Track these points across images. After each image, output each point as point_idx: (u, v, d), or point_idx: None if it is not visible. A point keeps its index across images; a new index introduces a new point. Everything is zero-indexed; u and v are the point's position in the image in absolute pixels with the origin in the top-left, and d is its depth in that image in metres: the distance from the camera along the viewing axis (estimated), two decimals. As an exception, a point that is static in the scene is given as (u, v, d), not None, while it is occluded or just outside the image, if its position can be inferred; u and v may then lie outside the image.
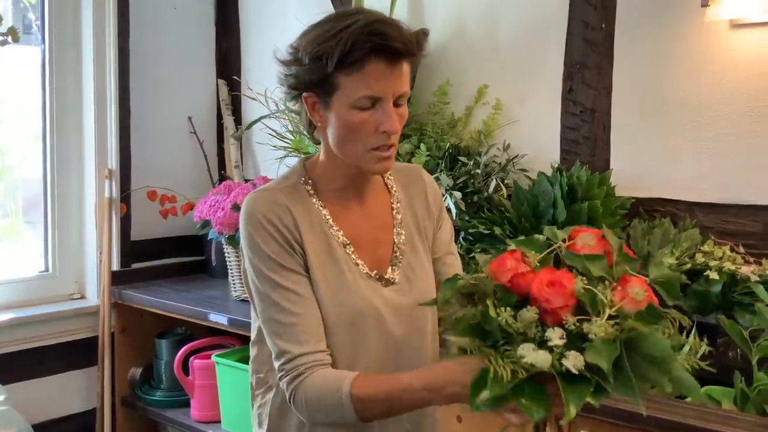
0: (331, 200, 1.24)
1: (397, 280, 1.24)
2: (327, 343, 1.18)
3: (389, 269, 1.24)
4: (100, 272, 2.67)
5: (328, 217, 1.22)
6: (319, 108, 1.16)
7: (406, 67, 1.15)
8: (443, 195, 1.39)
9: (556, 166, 2.09)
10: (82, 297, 2.74)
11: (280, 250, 1.16)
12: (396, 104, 1.15)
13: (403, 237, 1.27)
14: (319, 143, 1.26)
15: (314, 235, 1.20)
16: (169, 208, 2.78)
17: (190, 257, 2.91)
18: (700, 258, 1.82)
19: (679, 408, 1.46)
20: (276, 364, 1.17)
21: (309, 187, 1.23)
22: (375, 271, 1.23)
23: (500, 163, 2.22)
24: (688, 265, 1.82)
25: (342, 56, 1.08)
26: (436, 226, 1.34)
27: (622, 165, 2.08)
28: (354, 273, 1.21)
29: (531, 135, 2.25)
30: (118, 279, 2.69)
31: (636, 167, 2.06)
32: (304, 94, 1.16)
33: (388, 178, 1.32)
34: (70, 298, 2.72)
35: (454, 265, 1.34)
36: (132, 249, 2.78)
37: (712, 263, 1.79)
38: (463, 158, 2.20)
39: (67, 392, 2.64)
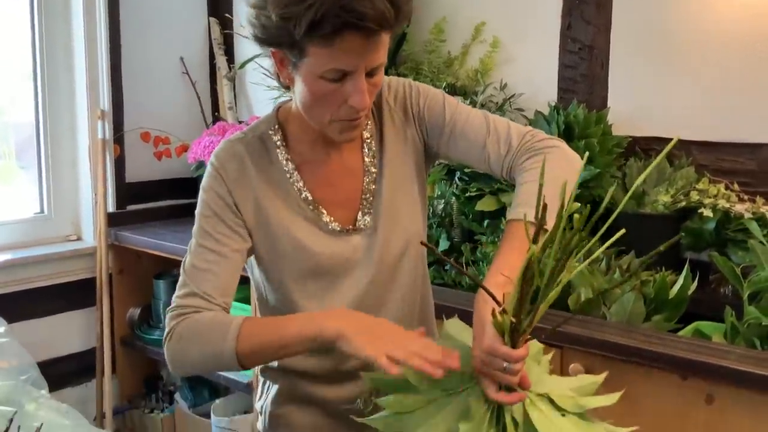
0: (301, 151, 1.19)
1: (367, 225, 1.19)
2: (296, 294, 1.18)
3: (359, 215, 1.19)
4: (95, 214, 2.66)
5: (293, 171, 1.17)
6: (288, 65, 1.08)
7: (384, 37, 1.03)
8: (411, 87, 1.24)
9: (553, 104, 2.08)
10: (79, 239, 2.75)
11: (218, 201, 1.14)
12: (370, 74, 1.06)
13: (373, 177, 1.20)
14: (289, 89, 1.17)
15: (275, 190, 1.16)
16: (163, 150, 2.76)
17: (186, 199, 2.90)
18: (694, 196, 1.83)
19: (669, 341, 1.49)
20: (172, 300, 1.13)
21: (278, 138, 1.18)
22: (342, 225, 1.18)
23: (497, 103, 2.20)
24: (683, 203, 1.83)
25: (311, 26, 0.96)
26: (422, 118, 1.22)
27: (620, 103, 2.06)
28: (318, 228, 1.17)
29: (528, 73, 2.22)
30: (113, 220, 2.69)
31: (633, 105, 2.05)
32: (272, 49, 1.08)
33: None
34: (67, 240, 2.72)
35: (466, 136, 1.19)
36: (127, 191, 2.77)
37: (707, 201, 1.79)
38: (459, 98, 2.18)
39: (66, 332, 2.67)
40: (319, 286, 1.19)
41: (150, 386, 2.86)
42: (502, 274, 0.98)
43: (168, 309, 1.12)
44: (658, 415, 1.47)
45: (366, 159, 1.20)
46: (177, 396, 2.72)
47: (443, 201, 2.19)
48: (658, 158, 0.90)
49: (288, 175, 1.17)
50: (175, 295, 1.13)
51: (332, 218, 1.18)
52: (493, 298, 0.93)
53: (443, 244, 2.15)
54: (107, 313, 2.65)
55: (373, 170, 1.20)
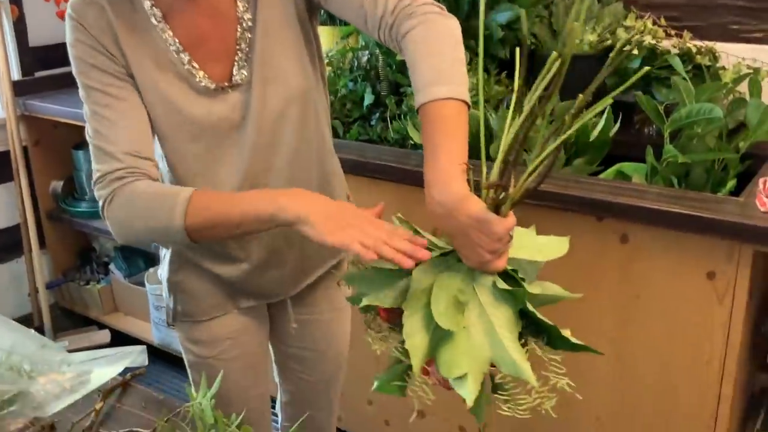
0: None
1: (244, 79, 1.08)
2: (176, 163, 1.10)
3: (234, 69, 1.07)
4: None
5: (161, 20, 1.04)
6: None
7: None
8: None
9: (477, -60, 1.93)
10: (-14, 110, 2.58)
11: (89, 51, 1.02)
12: None
13: (248, 25, 1.07)
14: None
15: (139, 41, 1.04)
16: (65, 9, 2.54)
17: (101, 63, 2.71)
18: (621, 34, 1.76)
19: (587, 184, 1.47)
20: (94, 179, 1.04)
21: None
22: (216, 82, 1.07)
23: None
24: (609, 42, 1.76)
25: None
26: None
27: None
28: (190, 86, 1.06)
29: None
30: (21, 89, 2.51)
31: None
32: None
33: None
34: (-27, 112, 2.56)
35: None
36: (33, 56, 2.57)
37: (633, 38, 1.72)
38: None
39: (-13, 209, 2.58)
40: (200, 155, 1.09)
41: (84, 258, 2.81)
42: (460, 164, 0.90)
43: (96, 179, 1.02)
44: (574, 255, 1.47)
45: (239, 4, 1.07)
46: (112, 267, 2.69)
47: (367, 52, 2.08)
48: None
49: (155, 23, 1.04)
50: (97, 167, 1.02)
51: (205, 74, 1.07)
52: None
53: (368, 99, 2.06)
54: (26, 187, 2.54)
55: (248, 17, 1.07)
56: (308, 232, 0.92)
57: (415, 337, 0.88)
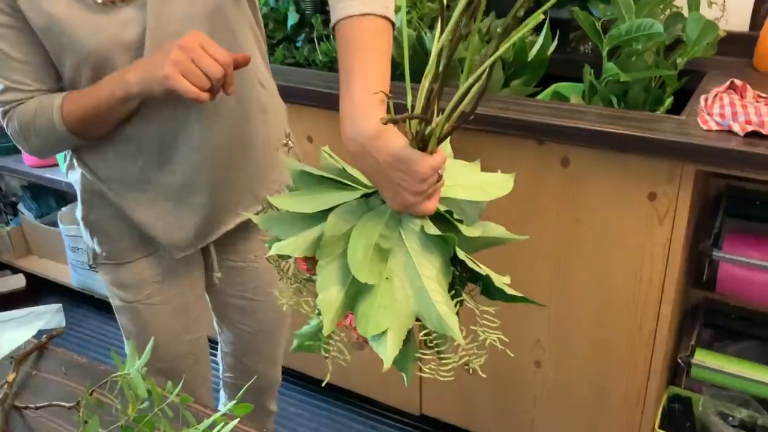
0: None
1: None
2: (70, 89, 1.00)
3: None
4: None
5: None
6: None
7: None
8: None
9: None
10: None
11: None
12: None
13: None
14: None
15: None
16: None
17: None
18: (558, -55, 1.67)
19: (528, 107, 1.42)
20: None
21: None
22: None
23: None
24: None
25: None
26: None
27: None
28: (77, 3, 0.93)
29: None
30: None
31: None
32: None
33: None
34: None
35: None
36: None
37: (569, -50, 1.64)
38: None
39: None
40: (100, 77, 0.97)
41: (-12, 199, 2.61)
42: (379, 93, 0.78)
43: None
44: (516, 181, 1.43)
45: None
46: (21, 207, 2.50)
47: (288, -34, 1.93)
48: None
49: None
50: None
51: None
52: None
53: (292, 18, 1.92)
54: None
55: None
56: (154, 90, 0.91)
57: (329, 291, 0.76)
